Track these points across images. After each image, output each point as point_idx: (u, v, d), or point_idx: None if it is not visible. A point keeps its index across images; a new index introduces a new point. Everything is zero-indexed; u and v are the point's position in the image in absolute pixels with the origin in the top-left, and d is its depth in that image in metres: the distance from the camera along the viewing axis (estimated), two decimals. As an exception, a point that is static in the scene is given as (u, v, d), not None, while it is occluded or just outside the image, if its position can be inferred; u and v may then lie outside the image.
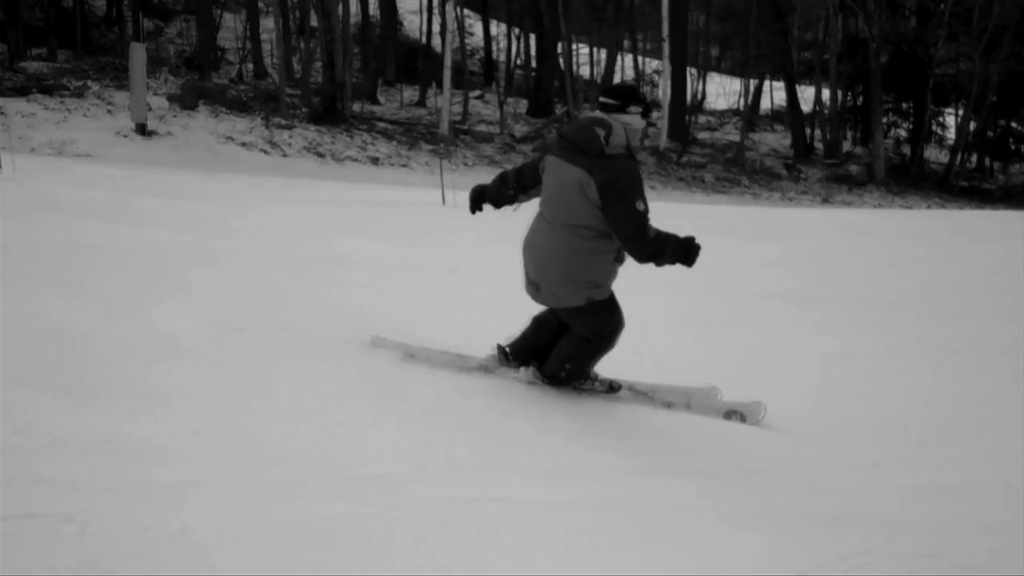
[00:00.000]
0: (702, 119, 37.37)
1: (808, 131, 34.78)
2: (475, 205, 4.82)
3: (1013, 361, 5.83)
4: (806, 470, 4.05)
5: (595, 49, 35.00)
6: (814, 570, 2.81)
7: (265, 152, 22.76)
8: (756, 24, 33.37)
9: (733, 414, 4.59)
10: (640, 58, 38.98)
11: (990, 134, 34.69)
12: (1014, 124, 34.53)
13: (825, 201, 28.31)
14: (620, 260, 4.34)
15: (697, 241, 4.20)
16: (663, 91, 29.25)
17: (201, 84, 24.85)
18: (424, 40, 36.04)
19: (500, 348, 4.70)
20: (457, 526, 2.88)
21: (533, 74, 33.99)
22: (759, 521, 3.24)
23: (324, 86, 25.26)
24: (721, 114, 39.40)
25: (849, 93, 34.27)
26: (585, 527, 3.01)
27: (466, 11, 40.97)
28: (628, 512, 3.21)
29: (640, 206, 4.08)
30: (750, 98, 37.86)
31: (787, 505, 3.49)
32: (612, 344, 4.50)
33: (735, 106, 39.25)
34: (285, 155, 22.91)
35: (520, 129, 29.77)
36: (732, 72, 41.22)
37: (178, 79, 25.22)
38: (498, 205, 4.77)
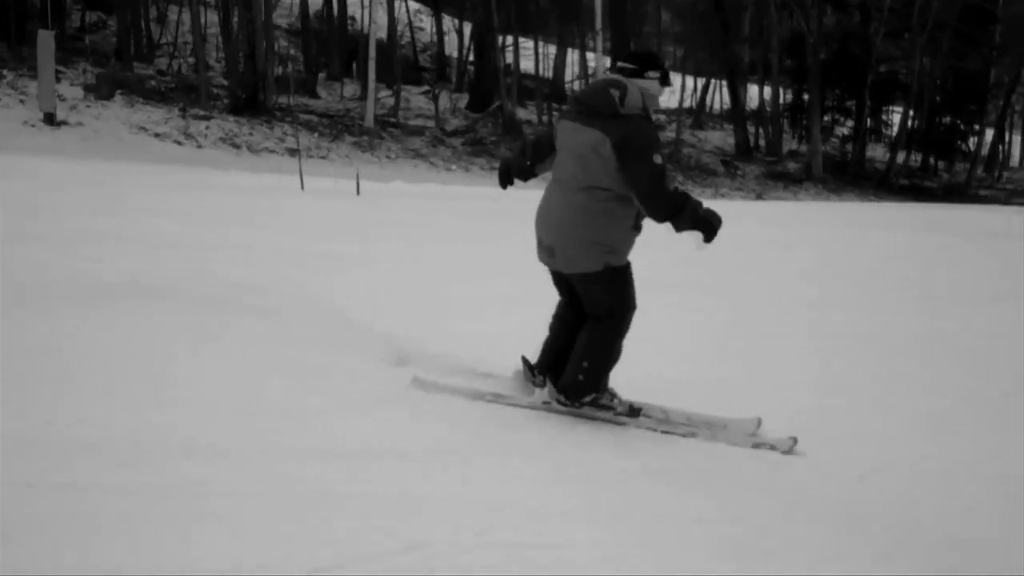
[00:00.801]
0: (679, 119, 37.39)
1: (753, 129, 34.74)
2: (504, 180, 4.59)
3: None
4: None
5: (541, 44, 34.91)
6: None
7: (178, 143, 22.57)
8: (699, 22, 33.38)
9: (762, 445, 4.24)
10: (591, 54, 38.65)
11: (934, 133, 34.67)
12: (958, 122, 34.49)
13: (759, 197, 28.20)
14: (638, 228, 4.19)
15: (717, 214, 4.04)
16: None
17: (119, 74, 24.64)
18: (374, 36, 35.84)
19: (526, 363, 4.50)
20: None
21: (470, 67, 33.92)
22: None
23: (245, 77, 25.08)
24: (674, 112, 39.38)
25: (791, 91, 34.24)
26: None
27: (419, 7, 40.98)
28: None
29: (657, 159, 3.94)
30: (697, 96, 37.91)
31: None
32: (628, 324, 4.29)
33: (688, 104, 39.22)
34: (199, 146, 22.72)
35: (456, 123, 29.64)
36: (687, 71, 41.13)
37: (97, 69, 25.00)
38: (523, 177, 4.55)
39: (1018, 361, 5.95)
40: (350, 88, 32.69)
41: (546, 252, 4.26)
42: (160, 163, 19.84)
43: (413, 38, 38.24)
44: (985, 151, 35.61)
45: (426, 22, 42.17)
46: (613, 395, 4.40)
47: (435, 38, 39.55)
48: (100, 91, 23.27)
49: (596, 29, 28.18)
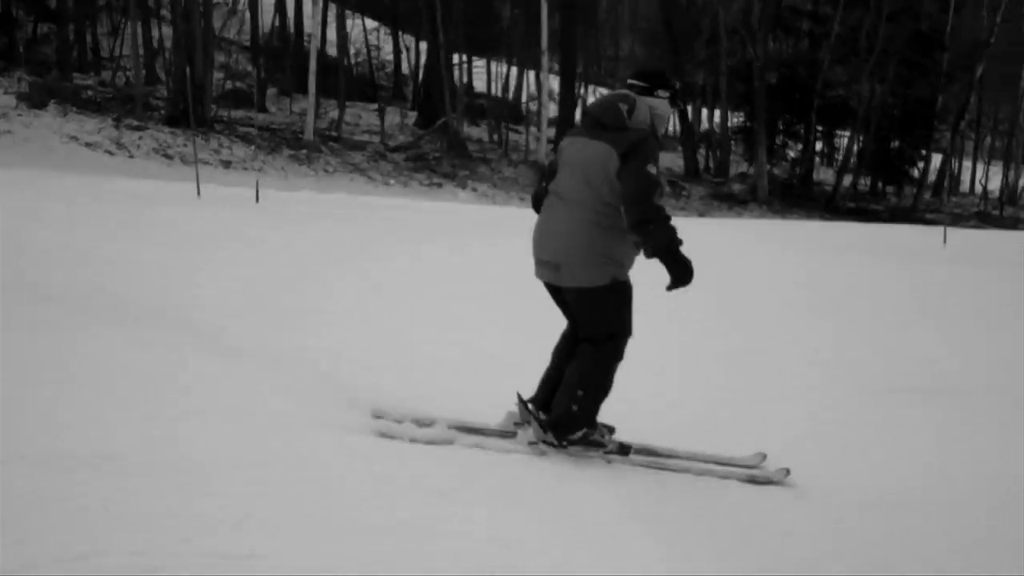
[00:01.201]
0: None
1: (704, 152, 34.91)
2: (537, 209, 4.48)
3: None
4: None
5: (495, 64, 35.01)
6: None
7: (110, 153, 22.42)
8: (651, 46, 33.54)
9: (758, 479, 4.21)
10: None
11: (887, 157, 34.89)
12: (905, 146, 34.73)
13: (701, 216, 28.26)
14: (638, 245, 4.08)
15: (691, 265, 3.96)
16: (541, 104, 29.16)
17: (55, 84, 24.50)
18: (333, 54, 35.87)
19: (521, 401, 4.29)
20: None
21: (416, 84, 34.01)
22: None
23: (182, 88, 24.98)
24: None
25: (742, 114, 34.44)
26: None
27: (376, 24, 40.98)
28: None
29: (652, 170, 3.89)
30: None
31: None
32: (624, 349, 4.16)
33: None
34: (131, 156, 22.58)
35: (403, 139, 29.62)
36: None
37: (33, 78, 24.85)
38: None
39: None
40: (303, 103, 32.64)
41: (549, 268, 4.15)
42: (86, 173, 19.68)
43: (369, 56, 38.26)
44: (934, 176, 35.91)
45: (385, 40, 42.28)
46: (605, 430, 4.26)
47: (393, 56, 39.65)
48: (33, 100, 23.11)
49: (542, 49, 28.38)
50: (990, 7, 34.17)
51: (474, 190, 26.14)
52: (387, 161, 26.94)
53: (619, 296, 4.12)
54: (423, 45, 36.82)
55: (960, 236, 18.17)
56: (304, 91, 33.08)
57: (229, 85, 31.71)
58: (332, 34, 36.47)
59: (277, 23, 34.96)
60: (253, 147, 24.60)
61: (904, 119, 33.87)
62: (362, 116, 32.43)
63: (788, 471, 4.19)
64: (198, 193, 13.98)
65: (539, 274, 4.25)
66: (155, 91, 27.66)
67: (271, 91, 33.41)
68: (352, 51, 37.35)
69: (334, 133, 27.68)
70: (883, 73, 31.37)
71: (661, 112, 4.16)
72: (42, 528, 2.59)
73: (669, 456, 4.35)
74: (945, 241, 16.61)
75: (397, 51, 38.74)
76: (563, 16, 31.53)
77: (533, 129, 30.85)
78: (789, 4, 33.57)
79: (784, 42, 33.65)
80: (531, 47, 34.86)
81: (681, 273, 3.93)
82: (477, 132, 33.52)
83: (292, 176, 24.09)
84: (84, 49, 29.89)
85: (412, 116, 32.77)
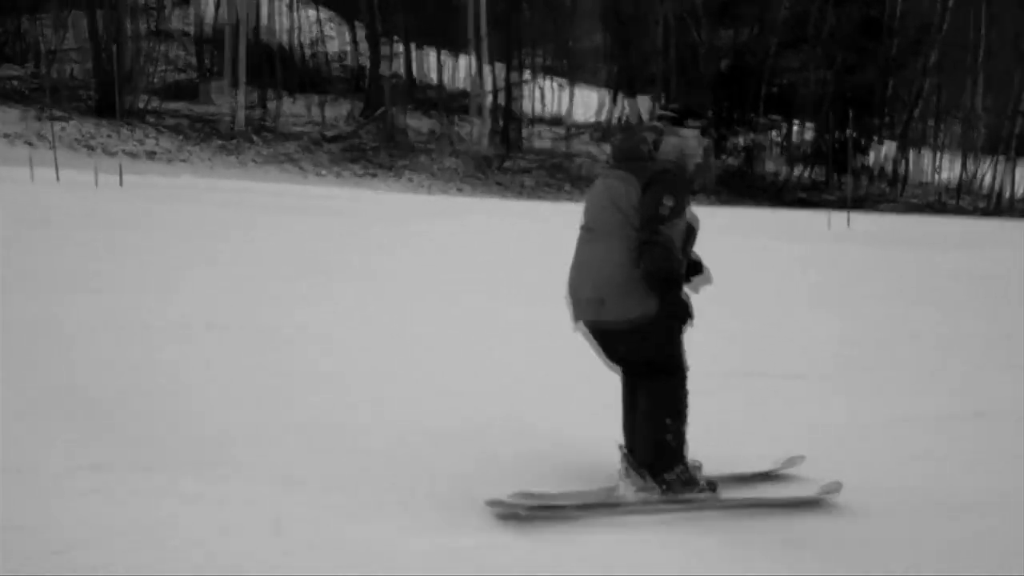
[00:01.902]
0: (559, 130, 37.28)
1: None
2: None
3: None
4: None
5: (440, 53, 34.66)
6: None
7: (30, 144, 22.15)
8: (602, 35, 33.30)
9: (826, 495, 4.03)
10: (489, 65, 38.48)
11: (836, 145, 34.65)
12: (856, 135, 34.47)
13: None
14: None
15: (690, 309, 3.82)
16: (474, 92, 28.91)
17: (-23, 75, 24.24)
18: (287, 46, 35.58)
19: (622, 450, 4.07)
20: None
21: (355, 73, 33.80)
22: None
23: (109, 79, 24.71)
24: (585, 126, 39.39)
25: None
26: None
27: (331, 14, 40.62)
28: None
29: (668, 201, 3.73)
30: (599, 109, 37.88)
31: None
32: (685, 377, 3.95)
33: (599, 118, 39.20)
34: (52, 147, 22.30)
35: (342, 128, 29.35)
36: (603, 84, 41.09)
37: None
38: None
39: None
40: (252, 95, 32.34)
41: (592, 306, 3.92)
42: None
43: (322, 46, 37.92)
44: (889, 166, 35.69)
45: (342, 31, 41.93)
46: (694, 466, 3.99)
47: (350, 48, 39.32)
48: (-48, 91, 22.86)
49: (469, 36, 28.17)
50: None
51: (410, 180, 25.90)
52: (323, 152, 26.68)
53: (669, 326, 3.91)
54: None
55: (864, 219, 18.07)
56: (251, 82, 32.93)
57: (173, 77, 31.49)
58: (283, 23, 36.32)
59: (225, 14, 34.58)
60: (180, 137, 24.35)
61: (855, 106, 33.59)
62: (312, 108, 32.17)
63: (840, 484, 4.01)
64: (57, 178, 13.82)
65: (579, 315, 4.00)
66: (85, 82, 27.34)
67: (219, 82, 33.13)
68: (307, 42, 37.10)
69: (270, 123, 27.37)
70: (831, 60, 31.14)
71: (691, 143, 4.01)
72: None
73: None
74: (849, 224, 16.47)
75: (355, 42, 38.37)
76: (504, 4, 31.24)
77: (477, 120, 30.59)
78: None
79: (732, 29, 33.31)
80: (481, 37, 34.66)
81: (674, 308, 3.82)
82: (428, 124, 33.26)
83: (219, 166, 23.85)
84: (22, 40, 29.52)
85: (355, 106, 32.48)
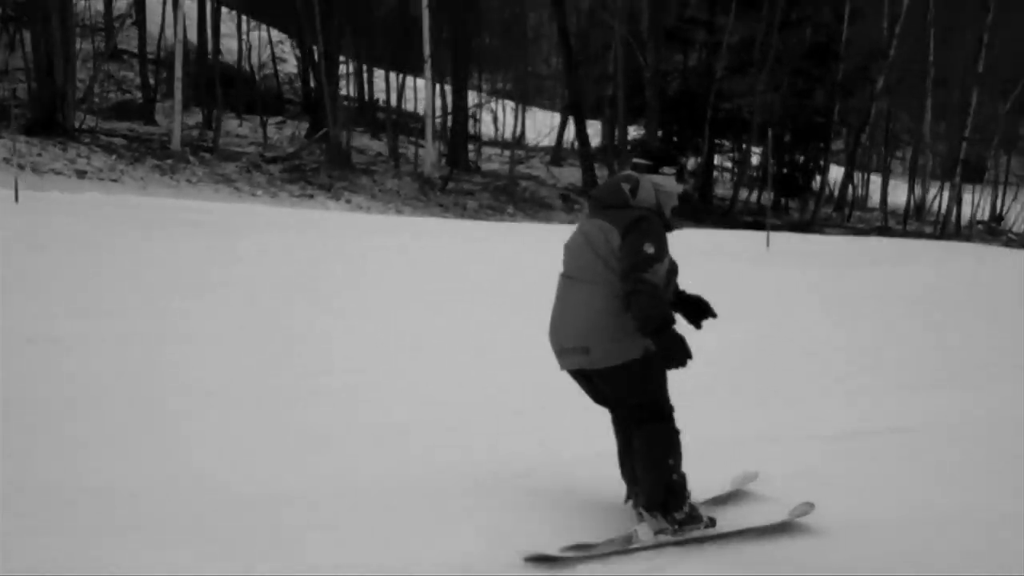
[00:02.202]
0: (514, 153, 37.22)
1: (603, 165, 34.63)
2: None
3: None
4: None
5: (391, 76, 34.60)
6: None
7: (-40, 162, 21.88)
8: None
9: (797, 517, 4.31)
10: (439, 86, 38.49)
11: (785, 170, 34.74)
12: (804, 160, 34.60)
13: (587, 229, 27.97)
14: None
15: (689, 352, 3.86)
16: (425, 112, 28.84)
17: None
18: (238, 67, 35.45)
19: (630, 490, 4.32)
20: None
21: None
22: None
23: (41, 95, 24.48)
24: (533, 149, 39.38)
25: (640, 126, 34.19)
26: None
27: (284, 36, 40.54)
28: None
29: (648, 248, 3.88)
30: (554, 133, 37.91)
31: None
32: (672, 417, 4.14)
33: (549, 141, 39.22)
34: (-24, 164, 22.04)
35: (284, 150, 29.18)
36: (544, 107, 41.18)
37: None
38: None
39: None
40: (197, 116, 32.11)
41: (578, 354, 4.05)
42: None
43: (276, 68, 37.84)
44: (837, 190, 35.80)
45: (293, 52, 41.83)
46: (688, 502, 4.14)
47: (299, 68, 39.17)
48: None
49: (425, 56, 28.11)
50: (892, 15, 34.20)
51: (348, 201, 25.72)
52: (261, 172, 26.47)
53: (653, 368, 4.02)
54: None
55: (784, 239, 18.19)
56: (199, 103, 32.72)
57: (118, 97, 31.35)
58: (233, 44, 36.23)
59: (169, 34, 34.37)
60: (114, 157, 24.12)
61: (803, 131, 33.72)
62: (258, 130, 31.96)
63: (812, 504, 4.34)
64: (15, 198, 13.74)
65: (565, 364, 4.16)
66: (26, 101, 27.08)
67: (167, 103, 32.89)
68: (257, 64, 37.02)
69: (209, 144, 27.17)
70: (778, 84, 31.23)
71: (668, 189, 4.17)
72: None
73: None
74: (768, 244, 16.47)
75: (305, 63, 38.25)
76: (453, 25, 31.25)
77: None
78: (688, 14, 33.33)
79: (679, 52, 33.41)
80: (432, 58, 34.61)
81: (671, 351, 3.83)
82: (379, 146, 33.11)
83: (152, 186, 23.58)
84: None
85: (301, 127, 32.37)
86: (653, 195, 4.08)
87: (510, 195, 29.55)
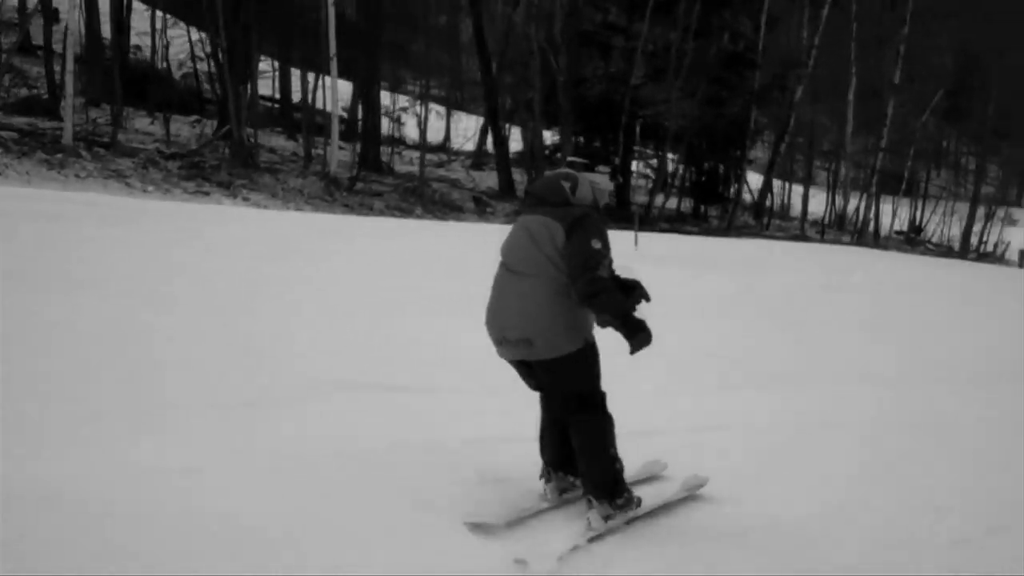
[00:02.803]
0: (434, 157, 37.00)
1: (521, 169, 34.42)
2: None
3: None
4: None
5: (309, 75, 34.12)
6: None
7: None
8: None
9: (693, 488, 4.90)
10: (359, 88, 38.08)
11: (703, 178, 34.74)
12: (721, 167, 34.60)
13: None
14: (578, 302, 4.25)
15: (646, 326, 4.14)
16: (332, 112, 28.44)
17: None
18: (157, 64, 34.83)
19: (545, 471, 4.65)
20: None
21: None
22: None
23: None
24: (454, 153, 39.23)
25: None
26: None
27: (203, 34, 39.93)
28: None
29: (596, 244, 4.10)
30: (476, 137, 37.67)
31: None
32: (606, 405, 4.40)
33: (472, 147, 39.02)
34: None
35: (186, 147, 28.60)
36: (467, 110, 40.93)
37: None
38: None
39: None
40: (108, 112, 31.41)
41: (520, 345, 4.23)
42: None
43: (195, 67, 37.22)
44: (756, 198, 35.87)
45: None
46: (625, 486, 4.46)
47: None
48: None
49: (330, 55, 27.73)
50: (812, 24, 34.34)
51: (246, 199, 25.22)
52: (159, 169, 25.90)
53: (591, 356, 4.30)
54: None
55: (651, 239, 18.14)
56: (109, 100, 32.04)
57: (22, 92, 30.67)
58: (148, 41, 35.62)
59: (83, 29, 33.71)
60: (0, 151, 23.50)
61: (719, 140, 33.69)
62: (180, 131, 31.38)
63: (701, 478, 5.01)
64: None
65: (506, 354, 4.35)
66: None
67: (78, 100, 32.19)
68: (176, 63, 36.50)
69: (103, 139, 26.58)
70: (693, 91, 31.16)
71: (603, 186, 4.43)
72: None
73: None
74: (636, 244, 16.35)
75: (217, 61, 37.60)
76: (363, 24, 30.90)
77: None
78: (606, 20, 33.19)
79: (600, 58, 33.27)
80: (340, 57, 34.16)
81: (637, 337, 4.11)
82: (294, 146, 32.65)
83: (38, 180, 22.94)
84: None
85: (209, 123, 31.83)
86: (591, 192, 4.33)
87: (419, 196, 29.19)
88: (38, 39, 32.38)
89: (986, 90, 34.95)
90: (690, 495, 4.83)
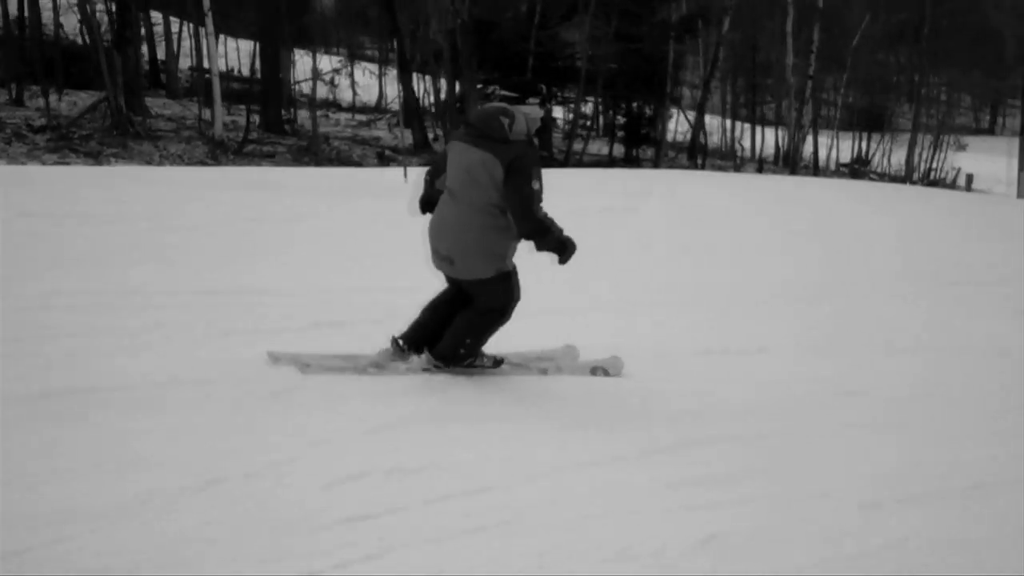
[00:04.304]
0: (361, 117, 35.95)
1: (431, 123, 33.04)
2: (424, 208, 5.17)
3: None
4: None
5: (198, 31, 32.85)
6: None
7: None
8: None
9: (598, 370, 5.37)
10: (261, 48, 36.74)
11: (624, 119, 33.19)
12: (643, 107, 32.95)
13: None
14: (519, 237, 4.75)
15: (574, 242, 4.71)
16: (212, 71, 27.21)
17: None
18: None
19: (394, 340, 5.02)
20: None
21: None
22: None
23: None
24: (374, 111, 38.12)
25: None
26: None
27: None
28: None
29: (535, 185, 4.52)
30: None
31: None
32: (509, 315, 4.93)
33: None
34: None
35: (62, 119, 27.55)
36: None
37: None
38: (435, 197, 5.06)
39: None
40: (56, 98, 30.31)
41: (445, 261, 4.82)
42: None
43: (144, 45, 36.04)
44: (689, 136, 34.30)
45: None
46: (482, 355, 5.08)
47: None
48: None
49: (205, 9, 26.54)
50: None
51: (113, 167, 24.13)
52: (25, 143, 24.86)
53: (505, 283, 4.85)
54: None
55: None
56: (34, 81, 30.90)
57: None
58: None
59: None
60: None
61: (640, 78, 32.01)
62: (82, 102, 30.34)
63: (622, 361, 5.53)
64: None
65: (435, 264, 4.91)
66: None
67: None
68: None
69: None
70: (605, 29, 29.60)
71: (533, 116, 4.71)
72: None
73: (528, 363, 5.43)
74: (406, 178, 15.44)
75: (170, 35, 36.34)
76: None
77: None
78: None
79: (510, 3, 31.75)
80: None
81: (568, 251, 4.72)
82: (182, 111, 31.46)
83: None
84: None
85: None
86: (525, 125, 4.61)
87: (314, 154, 27.94)
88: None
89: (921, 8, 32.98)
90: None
